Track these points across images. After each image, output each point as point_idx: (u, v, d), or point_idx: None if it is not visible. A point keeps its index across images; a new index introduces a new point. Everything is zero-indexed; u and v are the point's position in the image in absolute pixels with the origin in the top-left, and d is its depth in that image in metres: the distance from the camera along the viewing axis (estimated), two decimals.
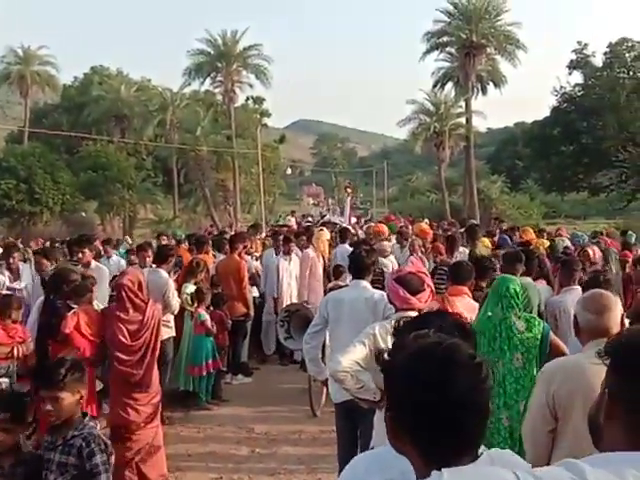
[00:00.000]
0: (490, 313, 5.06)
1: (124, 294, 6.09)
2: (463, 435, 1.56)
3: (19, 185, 39.55)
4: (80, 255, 8.91)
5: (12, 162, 40.21)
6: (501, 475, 1.46)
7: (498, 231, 16.01)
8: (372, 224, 17.31)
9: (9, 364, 5.76)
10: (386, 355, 1.69)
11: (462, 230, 13.51)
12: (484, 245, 10.96)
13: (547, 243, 11.67)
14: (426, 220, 20.45)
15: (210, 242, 11.80)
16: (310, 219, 25.84)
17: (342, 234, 12.73)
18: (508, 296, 5.08)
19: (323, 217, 30.57)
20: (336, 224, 17.88)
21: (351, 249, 8.75)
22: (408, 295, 4.39)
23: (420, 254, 11.10)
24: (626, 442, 1.55)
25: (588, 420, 1.72)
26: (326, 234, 10.62)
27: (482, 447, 1.65)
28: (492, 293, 5.13)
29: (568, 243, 12.16)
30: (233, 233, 13.95)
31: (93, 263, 9.09)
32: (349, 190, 25.60)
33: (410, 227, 16.29)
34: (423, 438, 1.56)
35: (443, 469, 1.48)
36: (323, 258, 11.85)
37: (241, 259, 10.43)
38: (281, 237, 11.87)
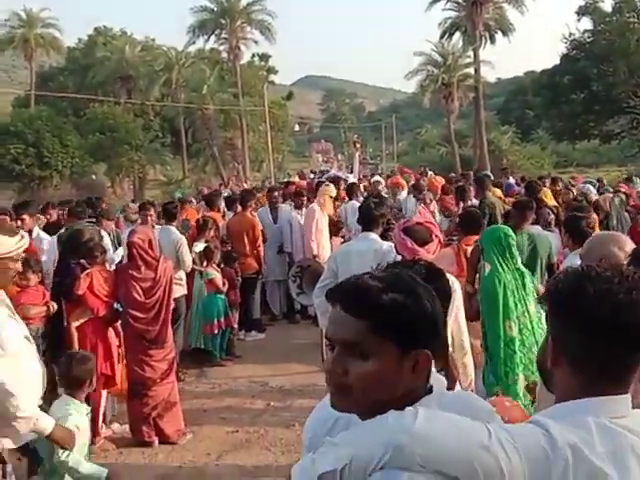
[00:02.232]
0: (502, 264, 5.08)
1: (135, 252, 6.13)
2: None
3: (28, 149, 39.48)
4: (19, 222, 7.88)
5: (20, 127, 40.09)
6: (476, 427, 1.44)
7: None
8: (378, 178, 17.17)
9: (38, 326, 5.80)
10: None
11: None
12: (495, 195, 10.89)
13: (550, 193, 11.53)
14: (431, 173, 20.29)
15: (221, 199, 11.77)
16: (320, 175, 25.71)
17: (350, 190, 12.56)
18: (512, 245, 5.10)
19: (325, 173, 30.39)
20: (343, 179, 17.78)
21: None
22: (416, 246, 4.35)
23: (432, 207, 11.06)
24: (575, 387, 1.55)
25: (538, 365, 1.73)
26: (331, 190, 10.47)
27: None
28: (494, 244, 5.12)
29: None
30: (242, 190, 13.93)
31: (35, 232, 8.35)
32: (357, 145, 25.26)
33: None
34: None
35: (419, 407, 1.47)
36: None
37: (253, 216, 10.41)
38: (276, 193, 11.76)
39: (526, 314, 5.09)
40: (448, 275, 4.29)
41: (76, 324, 6.09)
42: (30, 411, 3.49)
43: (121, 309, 6.22)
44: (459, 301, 4.06)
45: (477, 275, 5.44)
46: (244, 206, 10.39)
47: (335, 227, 10.55)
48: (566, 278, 1.60)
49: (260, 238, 10.25)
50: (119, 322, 6.29)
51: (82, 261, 6.44)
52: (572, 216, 6.19)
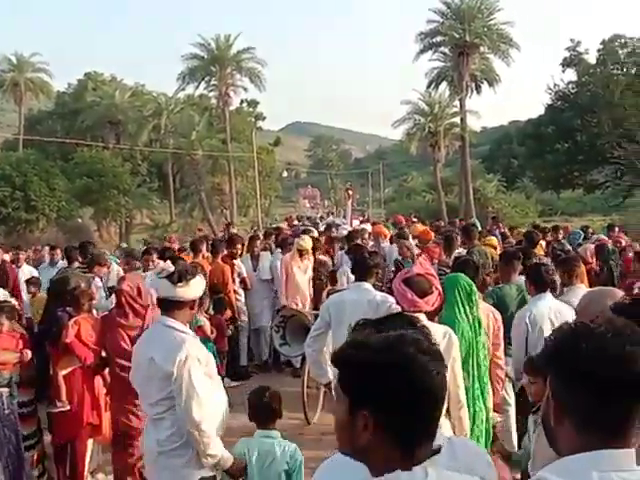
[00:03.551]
0: (464, 314, 5.07)
1: (123, 300, 6.08)
2: (423, 424, 1.62)
3: (15, 192, 39.41)
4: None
5: (7, 170, 40.08)
6: None
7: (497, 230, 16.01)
8: (365, 226, 17.17)
9: (11, 374, 5.71)
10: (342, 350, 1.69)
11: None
12: (490, 243, 10.90)
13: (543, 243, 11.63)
14: (415, 220, 20.36)
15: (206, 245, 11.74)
16: (307, 222, 25.75)
17: (349, 238, 12.49)
18: (473, 292, 5.11)
19: (321, 219, 30.44)
20: (339, 226, 17.78)
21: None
22: (416, 297, 4.31)
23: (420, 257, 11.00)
24: (579, 444, 1.57)
25: (542, 422, 1.75)
26: (302, 242, 10.49)
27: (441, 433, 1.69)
28: (456, 291, 5.12)
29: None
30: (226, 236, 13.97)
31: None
32: (350, 192, 25.41)
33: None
34: (394, 432, 1.61)
35: (428, 466, 1.52)
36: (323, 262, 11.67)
37: (225, 263, 10.44)
38: (258, 242, 11.88)
39: (476, 365, 5.09)
40: (441, 326, 4.29)
41: (63, 372, 6.02)
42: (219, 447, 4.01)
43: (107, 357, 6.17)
44: (455, 351, 4.05)
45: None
46: (215, 253, 10.58)
47: (331, 276, 10.49)
48: (563, 338, 1.62)
49: (230, 284, 10.27)
50: (106, 370, 6.23)
51: (68, 309, 6.40)
52: (534, 264, 6.61)
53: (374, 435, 1.61)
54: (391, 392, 1.58)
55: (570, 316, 4.91)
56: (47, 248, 13.11)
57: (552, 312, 5.81)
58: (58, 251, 12.32)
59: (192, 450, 3.99)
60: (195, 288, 4.15)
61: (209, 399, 4.02)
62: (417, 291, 4.30)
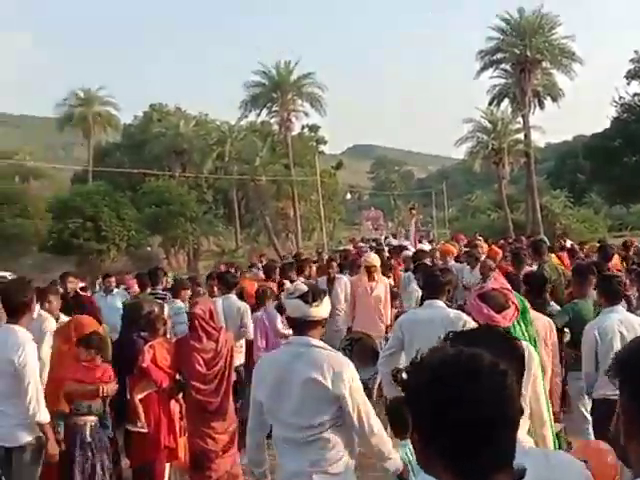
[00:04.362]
0: (520, 332, 4.89)
1: (197, 323, 6.16)
2: (498, 451, 1.49)
3: (86, 224, 40.48)
4: None
5: (78, 201, 41.22)
6: None
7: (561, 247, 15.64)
8: (423, 246, 16.99)
9: (90, 403, 5.78)
10: (404, 374, 1.57)
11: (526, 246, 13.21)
12: (553, 262, 10.66)
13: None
14: (479, 238, 20.01)
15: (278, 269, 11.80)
16: (373, 243, 25.68)
17: (415, 258, 12.25)
18: (526, 311, 4.94)
19: (385, 240, 30.28)
20: (404, 247, 17.64)
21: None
22: (492, 312, 4.19)
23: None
24: None
25: (612, 441, 1.68)
26: (367, 259, 10.28)
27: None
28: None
29: None
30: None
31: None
32: (414, 212, 25.20)
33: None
34: (457, 458, 1.47)
35: None
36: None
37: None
38: (334, 263, 11.96)
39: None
40: (522, 342, 4.20)
41: (140, 396, 6.12)
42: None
43: (183, 381, 6.25)
44: (535, 367, 3.94)
45: None
46: (284, 277, 10.68)
47: (391, 296, 10.38)
48: (633, 351, 1.58)
49: None
50: (181, 394, 6.31)
51: (143, 334, 6.51)
52: (604, 276, 6.51)
53: (431, 461, 1.52)
54: (440, 419, 1.46)
55: None
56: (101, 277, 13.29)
57: (623, 325, 5.70)
58: (113, 279, 12.47)
59: (350, 462, 4.01)
60: (326, 307, 4.10)
61: None
62: (493, 306, 4.20)
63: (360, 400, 3.90)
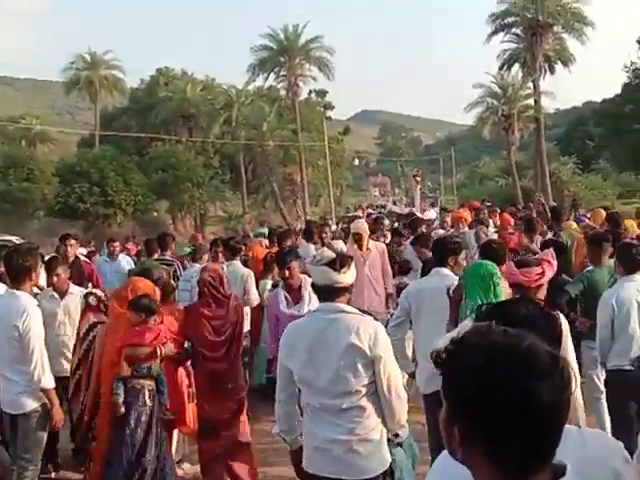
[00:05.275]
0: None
1: (206, 289, 6.08)
2: (544, 446, 1.38)
3: (92, 188, 40.41)
4: None
5: (85, 166, 41.10)
6: None
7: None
8: (430, 214, 16.84)
9: (150, 364, 5.68)
10: (444, 354, 1.43)
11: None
12: (572, 229, 10.43)
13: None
14: (488, 204, 19.78)
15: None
16: (382, 210, 25.62)
17: (412, 225, 12.18)
18: (497, 283, 4.78)
19: (381, 207, 30.08)
20: (401, 215, 17.53)
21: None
22: (514, 268, 4.12)
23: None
24: None
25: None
26: (356, 226, 9.67)
27: None
28: (478, 281, 4.82)
29: None
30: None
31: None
32: (418, 179, 25.10)
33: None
34: (501, 448, 1.36)
35: None
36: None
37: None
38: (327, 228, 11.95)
39: None
40: (557, 313, 4.06)
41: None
42: None
43: (191, 348, 6.17)
44: (568, 343, 3.75)
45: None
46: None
47: (401, 267, 10.04)
48: None
49: None
50: (189, 361, 6.24)
51: None
52: (624, 244, 6.41)
53: (468, 454, 1.41)
54: (488, 407, 1.34)
55: None
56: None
57: None
58: (117, 244, 12.19)
59: (384, 430, 3.99)
60: (353, 273, 4.04)
61: None
62: (517, 263, 4.11)
63: (392, 365, 3.90)
